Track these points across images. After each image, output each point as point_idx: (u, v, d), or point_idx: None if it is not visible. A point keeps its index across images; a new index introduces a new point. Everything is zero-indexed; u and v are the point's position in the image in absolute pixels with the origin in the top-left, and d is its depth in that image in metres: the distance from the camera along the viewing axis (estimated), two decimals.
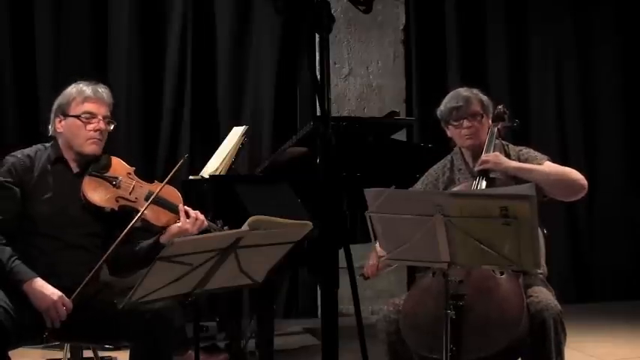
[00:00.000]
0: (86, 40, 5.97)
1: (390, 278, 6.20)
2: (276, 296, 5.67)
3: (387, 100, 6.36)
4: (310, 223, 2.68)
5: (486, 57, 6.77)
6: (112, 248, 2.96)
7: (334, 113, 5.06)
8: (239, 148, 4.49)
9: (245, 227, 2.55)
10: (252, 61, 6.25)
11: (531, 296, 3.09)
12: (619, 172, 6.88)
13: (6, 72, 5.80)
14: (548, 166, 3.33)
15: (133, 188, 3.12)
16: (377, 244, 2.83)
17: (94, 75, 5.62)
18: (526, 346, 3.04)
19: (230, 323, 4.69)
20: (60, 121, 3.16)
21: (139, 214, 3.01)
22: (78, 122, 3.12)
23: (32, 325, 2.94)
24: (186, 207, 3.11)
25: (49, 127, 3.21)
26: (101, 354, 4.05)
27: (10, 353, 2.98)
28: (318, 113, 2.31)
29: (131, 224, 2.99)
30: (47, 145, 3.21)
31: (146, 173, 3.31)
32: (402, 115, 5.87)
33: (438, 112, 3.47)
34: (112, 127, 3.20)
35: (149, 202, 3.02)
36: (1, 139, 5.71)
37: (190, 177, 4.54)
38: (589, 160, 6.75)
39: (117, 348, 4.16)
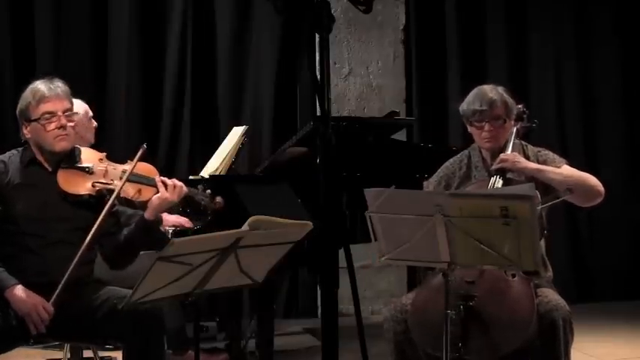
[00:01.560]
0: (86, 40, 5.95)
1: (390, 278, 6.20)
2: (276, 296, 5.66)
3: (387, 100, 6.35)
4: (310, 223, 2.68)
5: (486, 57, 6.75)
6: (95, 227, 2.96)
7: (334, 113, 5.05)
8: (239, 148, 4.49)
9: (245, 227, 2.55)
10: (252, 58, 6.23)
11: (540, 296, 3.09)
12: (619, 173, 6.86)
13: (6, 72, 5.79)
14: (567, 170, 3.32)
15: (106, 171, 3.13)
16: None
17: (94, 75, 5.69)
18: (535, 347, 3.04)
19: (230, 323, 4.68)
20: (26, 127, 3.16)
21: (116, 191, 3.03)
22: (39, 125, 3.11)
23: (19, 328, 2.95)
24: (162, 177, 3.12)
25: (20, 134, 3.21)
26: (101, 354, 4.04)
27: (10, 353, 2.98)
28: (318, 113, 2.31)
29: (111, 200, 3.01)
30: (20, 149, 3.22)
31: None
32: (402, 115, 5.86)
33: (461, 109, 3.45)
34: (76, 118, 3.20)
35: (125, 178, 3.04)
36: (1, 139, 5.69)
37: (190, 177, 4.54)
38: (589, 160, 6.72)
39: (117, 348, 4.15)
